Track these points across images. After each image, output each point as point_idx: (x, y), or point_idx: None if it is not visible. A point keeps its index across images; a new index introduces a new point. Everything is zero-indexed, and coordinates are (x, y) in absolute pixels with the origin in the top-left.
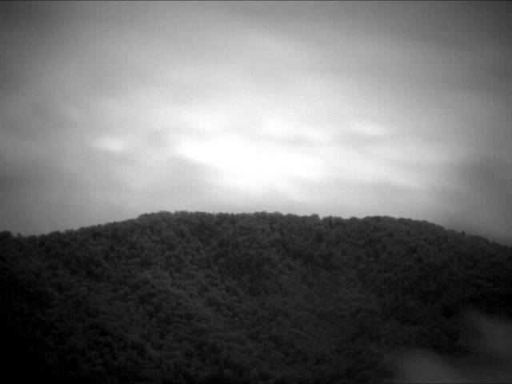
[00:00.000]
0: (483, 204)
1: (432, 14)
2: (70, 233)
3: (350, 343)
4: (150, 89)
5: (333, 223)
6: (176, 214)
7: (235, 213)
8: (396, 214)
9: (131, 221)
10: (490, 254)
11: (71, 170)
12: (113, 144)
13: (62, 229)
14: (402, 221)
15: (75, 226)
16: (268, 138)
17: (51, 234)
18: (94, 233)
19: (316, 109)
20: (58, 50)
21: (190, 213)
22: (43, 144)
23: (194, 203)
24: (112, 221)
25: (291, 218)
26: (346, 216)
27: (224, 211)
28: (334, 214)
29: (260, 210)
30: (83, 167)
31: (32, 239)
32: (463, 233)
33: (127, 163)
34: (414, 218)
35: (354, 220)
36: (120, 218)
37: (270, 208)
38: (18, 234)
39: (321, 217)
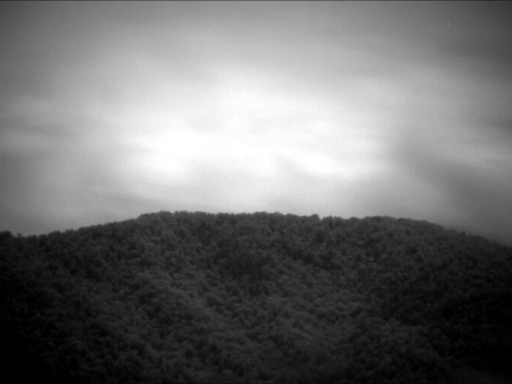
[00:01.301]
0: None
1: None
2: (69, 233)
3: (349, 343)
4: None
5: (333, 223)
6: (176, 214)
7: (235, 213)
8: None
9: (131, 221)
10: (490, 254)
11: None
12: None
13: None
14: (401, 221)
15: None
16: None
17: (51, 234)
18: (94, 233)
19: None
20: None
21: (190, 213)
22: None
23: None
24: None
25: (291, 218)
26: (346, 216)
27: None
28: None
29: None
30: None
31: (32, 239)
32: (463, 233)
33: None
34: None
35: (354, 220)
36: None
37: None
38: (18, 234)
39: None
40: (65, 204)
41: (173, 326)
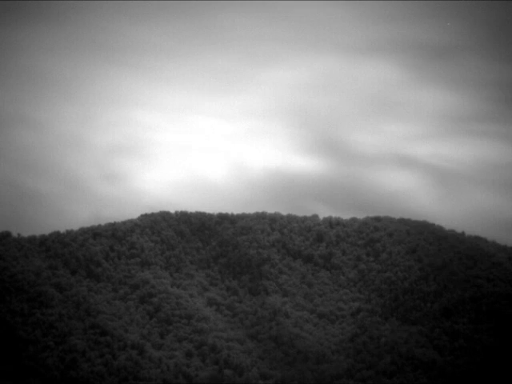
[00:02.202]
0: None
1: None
2: (69, 233)
3: (349, 343)
4: None
5: (333, 223)
6: (176, 213)
7: (235, 213)
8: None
9: (131, 221)
10: (490, 253)
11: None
12: None
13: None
14: (401, 221)
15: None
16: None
17: (51, 234)
18: (94, 233)
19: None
20: None
21: (190, 213)
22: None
23: None
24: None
25: (291, 218)
26: (346, 216)
27: None
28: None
29: None
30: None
31: (32, 239)
32: (463, 233)
33: None
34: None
35: (354, 220)
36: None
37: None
38: (18, 234)
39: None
40: None
41: (173, 325)
